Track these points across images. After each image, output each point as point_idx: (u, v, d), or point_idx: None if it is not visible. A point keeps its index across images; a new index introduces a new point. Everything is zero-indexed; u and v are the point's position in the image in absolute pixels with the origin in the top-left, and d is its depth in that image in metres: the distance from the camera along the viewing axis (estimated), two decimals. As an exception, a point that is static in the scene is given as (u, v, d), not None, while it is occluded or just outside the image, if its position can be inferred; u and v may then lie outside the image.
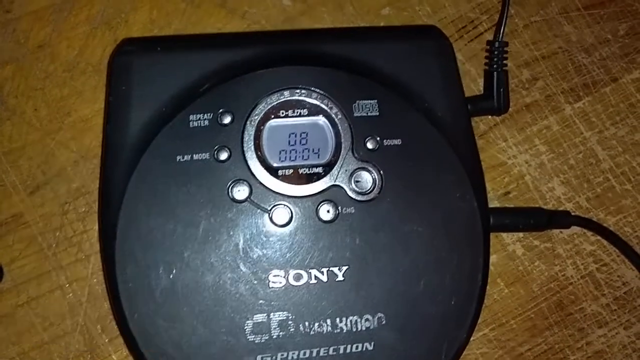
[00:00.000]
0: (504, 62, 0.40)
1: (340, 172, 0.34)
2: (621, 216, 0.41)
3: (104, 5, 0.40)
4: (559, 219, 0.39)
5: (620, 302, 0.40)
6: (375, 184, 0.34)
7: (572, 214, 0.40)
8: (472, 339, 0.36)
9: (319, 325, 0.33)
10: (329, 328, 0.33)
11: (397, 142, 0.35)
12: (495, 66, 0.40)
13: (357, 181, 0.34)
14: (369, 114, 0.35)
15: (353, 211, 0.34)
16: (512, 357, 0.39)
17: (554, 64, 0.42)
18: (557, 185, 0.41)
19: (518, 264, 0.40)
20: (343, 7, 0.41)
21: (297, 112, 0.35)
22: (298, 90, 0.35)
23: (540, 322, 0.39)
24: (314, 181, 0.34)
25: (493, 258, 0.39)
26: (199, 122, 0.34)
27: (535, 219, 0.38)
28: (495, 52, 0.40)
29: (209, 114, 0.34)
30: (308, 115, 0.35)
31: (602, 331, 0.39)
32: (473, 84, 0.41)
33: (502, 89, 0.39)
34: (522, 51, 0.42)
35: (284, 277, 0.33)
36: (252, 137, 0.34)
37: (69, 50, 0.39)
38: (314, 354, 0.33)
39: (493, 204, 0.40)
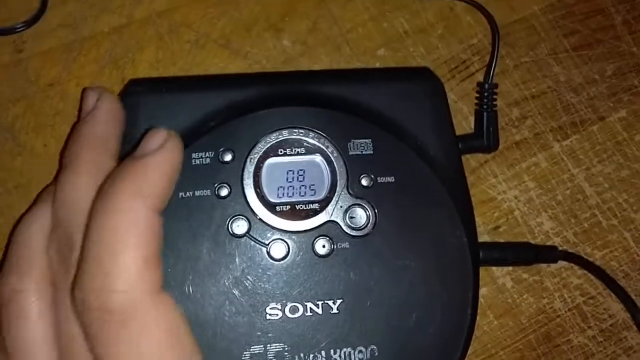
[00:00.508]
0: (494, 102, 0.41)
1: (335, 208, 0.35)
2: (607, 250, 0.42)
3: (111, 45, 0.41)
4: (546, 253, 0.40)
5: (606, 334, 0.41)
6: (369, 219, 0.35)
7: (559, 249, 0.41)
8: (462, 369, 0.37)
9: (314, 357, 0.34)
10: (324, 359, 0.34)
11: (391, 179, 0.36)
12: (485, 106, 0.41)
13: (352, 217, 0.35)
14: (363, 152, 0.36)
15: (347, 246, 0.35)
16: (502, 387, 0.40)
17: (543, 103, 0.44)
18: (545, 220, 0.42)
19: (507, 297, 0.41)
20: (340, 48, 0.43)
21: (295, 150, 0.36)
22: (296, 130, 0.36)
23: (529, 354, 0.40)
24: (310, 217, 0.35)
25: (483, 290, 0.40)
26: (201, 159, 0.35)
27: (523, 254, 0.40)
28: (486, 94, 0.41)
29: (210, 152, 0.35)
30: (305, 153, 0.36)
31: (589, 362, 0.41)
32: (465, 122, 0.43)
33: (491, 128, 0.41)
34: (512, 91, 0.44)
35: (281, 309, 0.34)
36: (251, 175, 0.35)
37: (78, 88, 0.41)
38: (309, 385, 0.34)
39: (483, 237, 0.41)
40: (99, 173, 0.30)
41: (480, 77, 0.43)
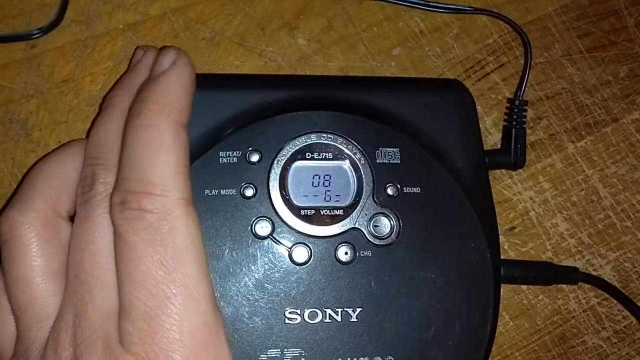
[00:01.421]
0: (523, 119, 0.41)
1: (360, 216, 0.35)
2: (621, 252, 0.43)
3: (126, 42, 0.41)
4: (567, 275, 0.40)
5: (620, 336, 0.42)
6: (393, 229, 0.35)
7: (580, 270, 0.41)
8: (479, 370, 0.37)
9: None
10: None
11: (416, 190, 0.36)
12: (514, 123, 0.41)
13: (376, 225, 0.35)
14: (390, 161, 0.36)
15: (370, 254, 0.35)
16: (517, 388, 0.41)
17: (557, 104, 0.44)
18: (560, 221, 0.43)
19: (523, 298, 0.41)
20: (355, 46, 0.43)
21: (323, 155, 0.36)
22: (325, 135, 0.36)
23: (544, 355, 0.41)
24: (335, 223, 0.35)
25: (499, 292, 0.41)
26: (228, 158, 0.35)
27: (544, 274, 0.40)
28: (515, 110, 0.41)
29: (238, 152, 0.35)
30: (332, 159, 0.36)
31: (603, 364, 0.41)
32: (479, 122, 0.43)
33: (519, 145, 0.41)
34: (527, 91, 0.44)
35: (300, 314, 0.34)
36: (277, 177, 0.35)
37: (92, 85, 0.40)
38: (324, 392, 0.34)
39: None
40: None
41: (495, 77, 0.43)
